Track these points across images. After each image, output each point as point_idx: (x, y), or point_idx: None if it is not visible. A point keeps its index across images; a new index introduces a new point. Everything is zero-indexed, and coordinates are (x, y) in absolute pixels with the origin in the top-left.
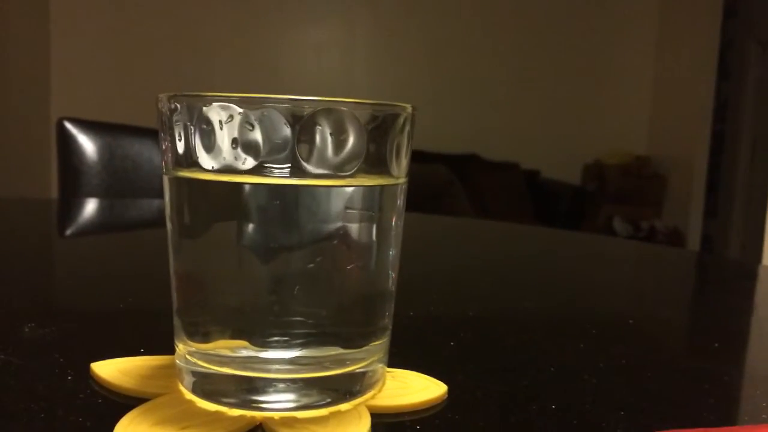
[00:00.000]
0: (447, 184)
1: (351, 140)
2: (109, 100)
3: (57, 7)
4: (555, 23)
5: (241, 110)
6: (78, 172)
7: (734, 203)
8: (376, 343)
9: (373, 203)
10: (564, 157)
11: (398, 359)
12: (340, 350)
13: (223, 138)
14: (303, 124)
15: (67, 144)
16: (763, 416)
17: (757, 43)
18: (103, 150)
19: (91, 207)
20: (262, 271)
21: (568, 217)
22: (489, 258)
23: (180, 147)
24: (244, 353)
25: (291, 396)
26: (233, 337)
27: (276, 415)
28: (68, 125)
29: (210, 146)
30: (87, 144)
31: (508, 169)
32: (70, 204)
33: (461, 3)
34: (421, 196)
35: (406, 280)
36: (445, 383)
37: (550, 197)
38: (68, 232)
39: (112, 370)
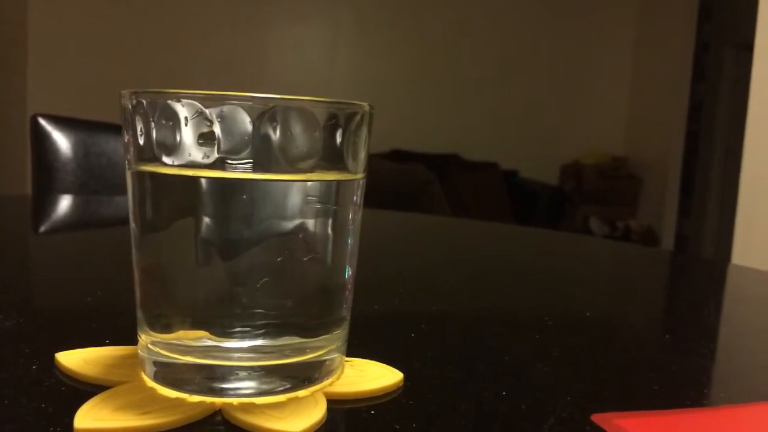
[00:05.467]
0: (426, 183)
1: (309, 137)
2: (88, 96)
3: (35, 2)
4: (534, 25)
5: (202, 107)
6: (52, 168)
7: (708, 204)
8: (335, 332)
9: (331, 198)
10: (542, 158)
11: (359, 350)
12: (300, 339)
13: (185, 134)
14: (262, 121)
15: (42, 140)
16: (704, 402)
17: (732, 47)
18: (77, 147)
19: (64, 204)
20: (221, 265)
21: (545, 217)
22: (462, 256)
23: (142, 142)
24: (206, 343)
25: (251, 383)
26: (194, 328)
27: (235, 401)
28: (42, 122)
29: (172, 141)
30: (61, 140)
31: (487, 168)
32: (43, 201)
33: (443, 4)
34: (400, 196)
35: (376, 276)
36: (403, 372)
37: (529, 197)
38: (41, 228)
39: (77, 359)
